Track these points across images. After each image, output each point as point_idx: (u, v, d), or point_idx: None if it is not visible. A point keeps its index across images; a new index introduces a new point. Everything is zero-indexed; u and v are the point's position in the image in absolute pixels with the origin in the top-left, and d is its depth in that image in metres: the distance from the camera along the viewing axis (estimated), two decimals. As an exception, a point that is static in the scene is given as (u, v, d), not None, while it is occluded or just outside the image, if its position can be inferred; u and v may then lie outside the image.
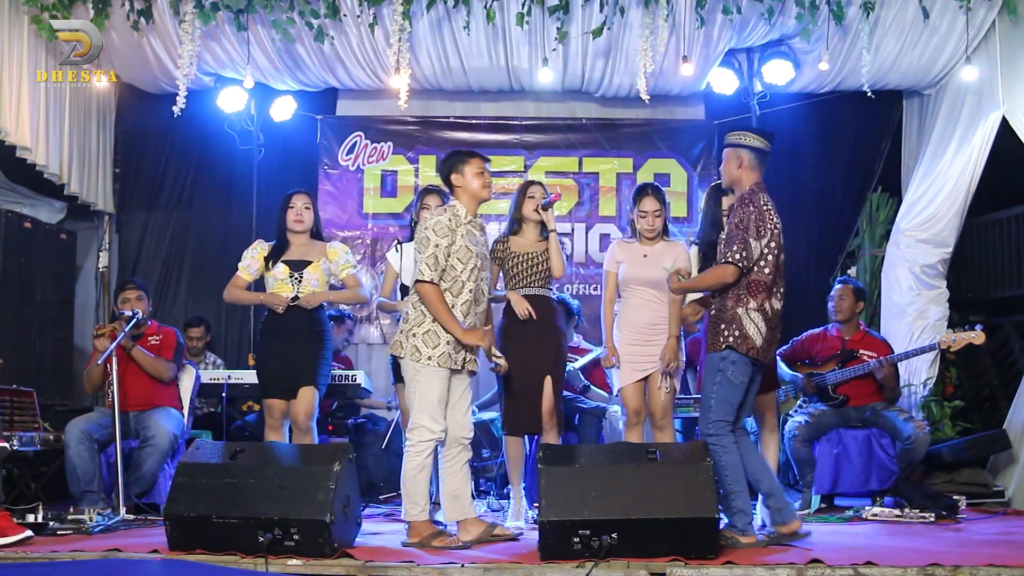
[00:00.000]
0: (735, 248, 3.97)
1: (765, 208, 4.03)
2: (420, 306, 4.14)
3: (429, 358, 4.08)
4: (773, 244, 4.03)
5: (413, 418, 4.11)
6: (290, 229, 4.96)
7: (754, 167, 4.14)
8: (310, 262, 4.92)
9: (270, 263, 4.92)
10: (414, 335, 4.12)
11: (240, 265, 5.00)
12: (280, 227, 4.99)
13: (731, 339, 3.99)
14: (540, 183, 5.01)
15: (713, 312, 4.11)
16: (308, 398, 4.80)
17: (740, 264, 3.96)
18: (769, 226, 4.01)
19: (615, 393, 4.98)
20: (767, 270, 4.02)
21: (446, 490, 4.22)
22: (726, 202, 4.60)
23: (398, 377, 4.88)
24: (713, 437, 3.98)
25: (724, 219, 4.58)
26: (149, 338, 5.36)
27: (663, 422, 4.79)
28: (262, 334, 4.96)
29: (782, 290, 4.14)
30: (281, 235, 4.98)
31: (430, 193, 5.00)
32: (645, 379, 4.82)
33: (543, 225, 4.87)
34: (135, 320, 5.08)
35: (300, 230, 4.98)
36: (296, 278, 4.88)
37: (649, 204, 4.83)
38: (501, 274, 4.96)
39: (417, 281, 4.09)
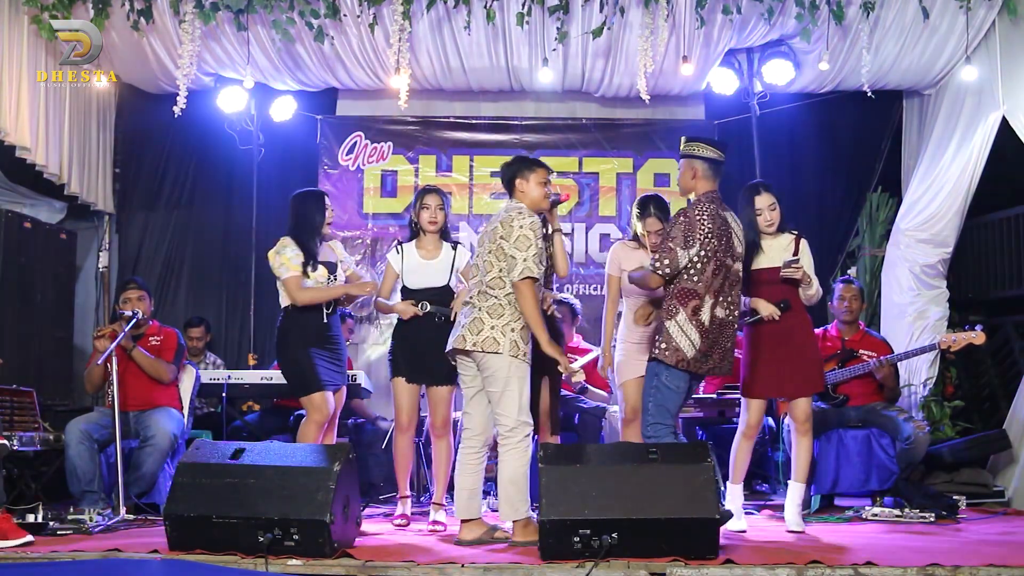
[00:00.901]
0: (657, 257, 4.11)
1: (698, 218, 4.09)
2: (516, 303, 4.15)
3: (525, 355, 4.12)
4: (703, 253, 4.07)
5: (514, 416, 4.08)
6: (322, 233, 4.94)
7: (708, 177, 4.22)
8: (335, 263, 4.94)
9: (308, 267, 4.80)
10: (512, 330, 4.10)
11: (293, 264, 4.76)
12: (315, 229, 4.89)
13: (655, 351, 4.11)
14: None
15: (656, 322, 4.24)
16: (343, 395, 4.99)
17: (659, 272, 4.10)
18: (699, 236, 4.06)
19: (617, 387, 4.94)
20: (696, 278, 4.09)
21: (467, 486, 4.22)
22: (759, 201, 4.62)
23: (395, 372, 4.87)
24: (652, 439, 4.07)
25: (758, 219, 4.64)
26: (150, 338, 5.36)
27: None
28: (302, 336, 4.80)
29: (730, 298, 4.18)
30: (315, 237, 4.90)
31: (429, 193, 4.99)
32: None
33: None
34: (135, 320, 5.08)
35: (329, 234, 5.04)
36: (333, 279, 4.89)
37: (653, 224, 4.83)
38: None
39: (525, 277, 4.07)
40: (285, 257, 4.78)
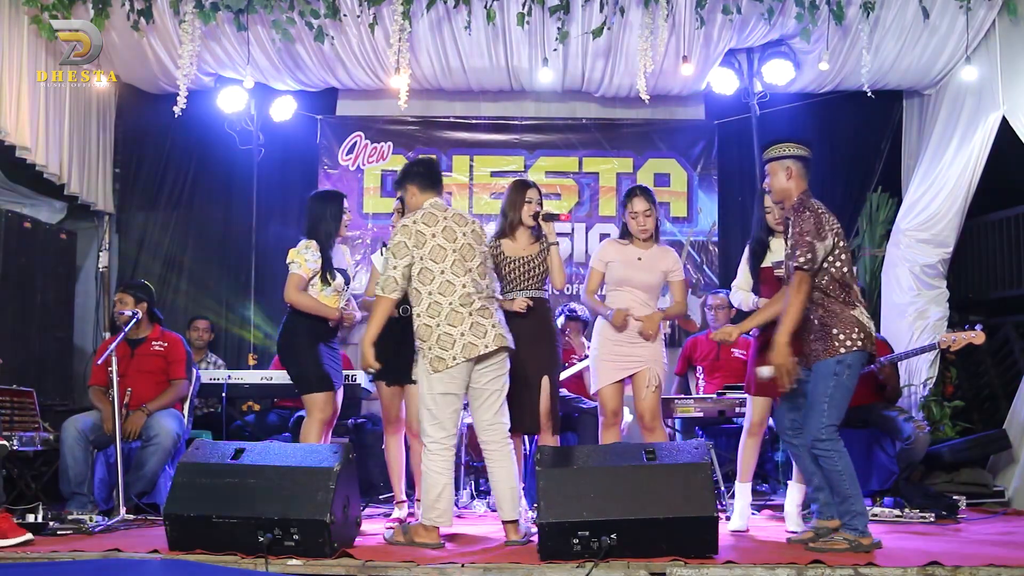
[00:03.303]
0: (799, 253, 3.95)
1: (820, 211, 4.03)
2: None
3: None
4: (842, 243, 4.03)
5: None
6: (341, 235, 4.88)
7: (802, 176, 4.16)
8: (346, 269, 4.92)
9: (327, 275, 4.74)
10: None
11: (307, 267, 4.71)
12: (332, 233, 4.82)
13: (859, 342, 3.94)
14: (535, 185, 4.93)
15: (817, 322, 4.01)
16: (340, 395, 4.94)
17: (806, 267, 3.93)
18: (827, 227, 4.00)
19: (592, 392, 4.92)
20: (844, 268, 4.03)
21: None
22: (768, 200, 4.60)
23: (376, 375, 4.85)
24: (828, 442, 3.92)
25: (767, 217, 4.66)
26: (152, 343, 5.34)
27: (653, 424, 4.72)
28: (314, 334, 4.77)
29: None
30: (332, 241, 4.83)
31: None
32: (624, 381, 4.77)
33: (537, 227, 4.84)
34: (135, 320, 5.10)
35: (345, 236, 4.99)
36: (347, 288, 4.88)
37: (639, 204, 4.78)
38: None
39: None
40: (303, 258, 4.71)
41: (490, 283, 4.26)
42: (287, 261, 4.76)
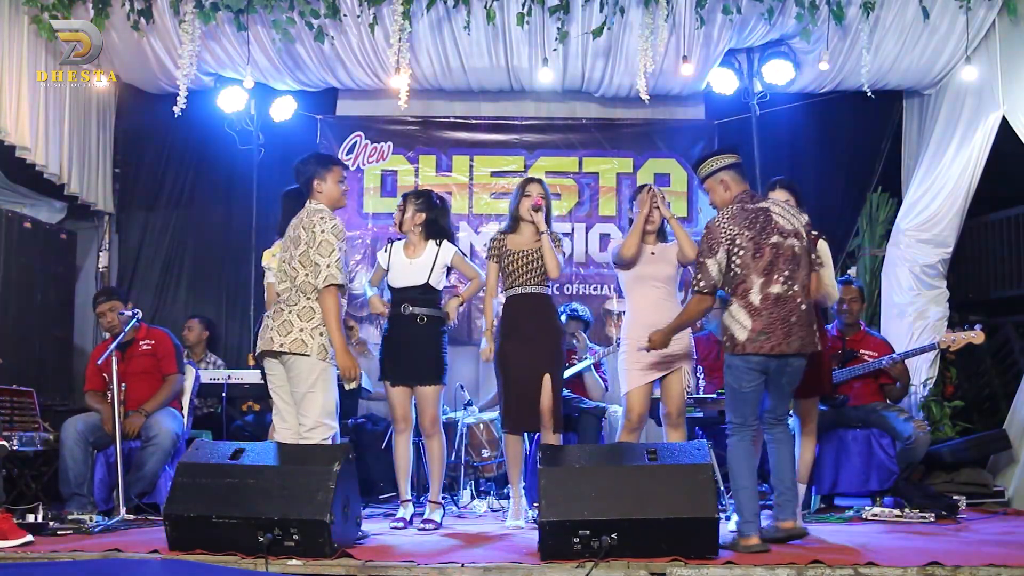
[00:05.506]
0: (696, 277, 4.08)
1: (718, 225, 4.06)
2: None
3: (332, 358, 4.22)
4: (732, 248, 4.00)
5: (314, 417, 4.20)
6: None
7: (736, 180, 4.18)
8: None
9: None
10: (320, 334, 4.22)
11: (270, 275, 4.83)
12: None
13: (725, 345, 4.05)
14: (539, 181, 4.99)
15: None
16: None
17: (704, 290, 4.05)
18: (721, 238, 4.01)
19: (622, 394, 4.87)
20: (738, 264, 4.01)
21: None
22: (773, 197, 4.57)
23: (383, 375, 4.88)
24: (731, 438, 4.03)
25: None
26: (140, 343, 5.33)
27: (679, 420, 4.74)
28: None
29: (786, 273, 4.01)
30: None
31: (404, 196, 5.05)
32: (655, 381, 4.73)
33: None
34: (135, 320, 5.09)
35: None
36: None
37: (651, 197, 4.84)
38: (500, 272, 4.95)
39: (328, 285, 4.15)
40: (269, 259, 4.85)
41: (306, 277, 4.19)
42: (262, 264, 4.84)
